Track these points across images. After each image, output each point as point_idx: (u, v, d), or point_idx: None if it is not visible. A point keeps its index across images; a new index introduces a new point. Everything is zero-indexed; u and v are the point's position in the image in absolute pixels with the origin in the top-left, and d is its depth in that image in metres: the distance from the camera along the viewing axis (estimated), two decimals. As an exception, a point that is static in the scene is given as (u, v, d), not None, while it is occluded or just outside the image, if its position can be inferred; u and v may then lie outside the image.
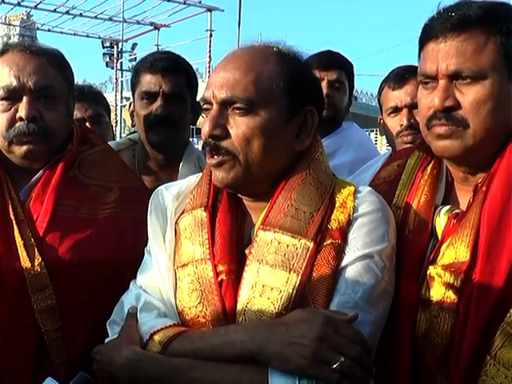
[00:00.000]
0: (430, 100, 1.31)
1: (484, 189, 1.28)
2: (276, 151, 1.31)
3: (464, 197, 1.37)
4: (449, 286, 1.23)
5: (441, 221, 1.35)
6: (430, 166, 1.43)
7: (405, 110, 2.23)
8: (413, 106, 2.20)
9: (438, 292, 1.25)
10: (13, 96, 1.64)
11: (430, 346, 1.25)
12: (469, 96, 1.26)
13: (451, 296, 1.23)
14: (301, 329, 1.12)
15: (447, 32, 1.27)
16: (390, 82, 2.31)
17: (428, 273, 1.28)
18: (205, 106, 1.33)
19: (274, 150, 1.30)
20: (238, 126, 1.27)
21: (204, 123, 1.31)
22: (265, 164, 1.30)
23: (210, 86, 1.30)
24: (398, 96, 2.26)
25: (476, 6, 1.28)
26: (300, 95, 1.32)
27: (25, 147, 1.64)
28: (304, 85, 1.34)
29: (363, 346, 1.14)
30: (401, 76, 2.27)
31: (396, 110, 2.27)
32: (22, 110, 1.62)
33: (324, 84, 2.60)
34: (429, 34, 1.31)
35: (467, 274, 1.22)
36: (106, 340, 1.37)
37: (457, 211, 1.34)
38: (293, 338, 1.12)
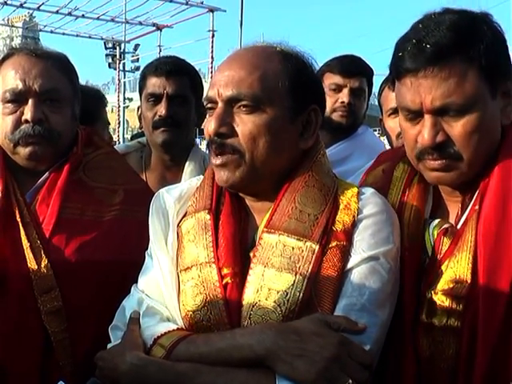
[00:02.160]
0: (416, 132, 1.28)
1: (477, 208, 1.26)
2: (281, 150, 1.31)
3: (452, 208, 1.35)
4: (451, 311, 1.22)
5: (430, 236, 1.33)
6: (416, 179, 1.40)
7: None
8: None
9: (441, 318, 1.23)
10: (18, 99, 1.65)
11: (436, 370, 1.23)
12: (459, 129, 1.23)
13: (454, 321, 1.22)
14: (314, 343, 1.12)
15: (426, 66, 1.21)
16: (390, 83, 2.29)
17: (428, 297, 1.25)
18: (208, 105, 1.32)
19: (279, 149, 1.30)
20: (245, 123, 1.27)
21: (208, 122, 1.30)
22: (270, 162, 1.29)
23: (215, 85, 1.30)
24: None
25: (445, 29, 1.21)
26: (304, 94, 1.32)
27: (30, 148, 1.66)
28: (307, 84, 1.33)
29: (370, 369, 1.15)
30: None
31: (396, 111, 2.25)
32: (28, 112, 1.64)
33: (346, 91, 2.57)
34: (405, 67, 1.25)
35: (468, 297, 1.20)
36: (109, 345, 1.36)
37: (446, 226, 1.32)
38: (304, 350, 1.12)
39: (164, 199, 1.43)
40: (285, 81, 1.29)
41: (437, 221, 1.34)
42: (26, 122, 1.64)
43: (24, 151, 1.66)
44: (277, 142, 1.29)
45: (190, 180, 1.50)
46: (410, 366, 1.25)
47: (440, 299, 1.23)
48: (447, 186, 1.35)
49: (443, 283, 1.24)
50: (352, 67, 2.63)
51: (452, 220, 1.34)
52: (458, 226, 1.31)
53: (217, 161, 1.30)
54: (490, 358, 1.15)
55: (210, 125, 1.29)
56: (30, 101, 1.64)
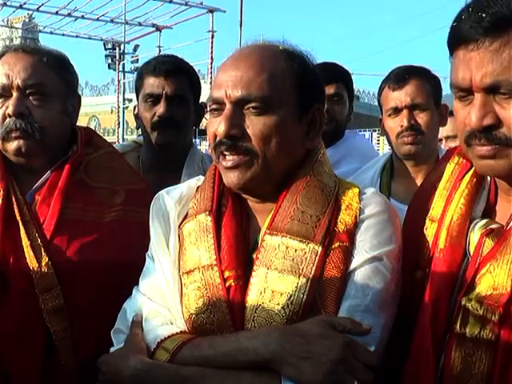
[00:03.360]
0: (466, 113, 1.14)
1: None
2: (290, 150, 1.30)
3: (506, 208, 1.21)
4: (485, 320, 1.09)
5: (474, 237, 1.21)
6: (470, 174, 1.27)
7: (405, 111, 2.21)
8: (413, 107, 2.20)
9: (474, 327, 1.11)
10: (4, 94, 1.66)
11: None
12: (511, 111, 1.09)
13: (488, 332, 1.09)
14: (320, 346, 1.11)
15: (479, 37, 1.08)
16: (389, 83, 2.29)
17: (462, 304, 1.13)
18: (214, 107, 1.29)
19: (288, 149, 1.29)
20: (255, 125, 1.25)
21: (217, 123, 1.27)
22: (280, 163, 1.29)
23: (221, 86, 1.27)
24: (398, 97, 2.23)
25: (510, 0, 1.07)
26: (309, 93, 1.31)
27: (15, 143, 1.66)
28: (311, 83, 1.33)
29: (375, 369, 1.14)
30: (401, 76, 2.25)
31: (396, 110, 2.25)
32: (10, 106, 1.64)
33: None
34: (458, 38, 1.13)
35: (506, 307, 1.07)
36: (112, 349, 1.35)
37: (492, 226, 1.19)
38: (311, 353, 1.11)
39: (164, 201, 1.42)
40: (291, 80, 1.27)
41: (484, 221, 1.22)
42: (9, 116, 1.64)
43: (10, 147, 1.67)
44: (287, 142, 1.28)
45: (190, 181, 1.49)
46: (429, 379, 1.15)
47: (474, 306, 1.11)
48: (501, 178, 1.20)
49: (480, 289, 1.12)
50: (324, 75, 2.64)
51: (503, 220, 1.20)
52: (508, 228, 1.17)
53: (227, 163, 1.28)
54: None
55: (219, 126, 1.26)
56: (14, 95, 1.65)
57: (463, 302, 1.14)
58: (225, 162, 1.28)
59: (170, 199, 1.41)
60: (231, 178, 1.29)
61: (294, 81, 1.28)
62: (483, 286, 1.12)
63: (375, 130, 13.30)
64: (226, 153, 1.27)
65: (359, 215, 1.28)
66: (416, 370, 1.18)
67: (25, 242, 1.59)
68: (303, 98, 1.30)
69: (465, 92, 1.15)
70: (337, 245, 1.24)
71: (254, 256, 1.27)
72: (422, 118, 2.21)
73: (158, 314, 1.33)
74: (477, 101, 1.11)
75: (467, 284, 1.16)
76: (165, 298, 1.33)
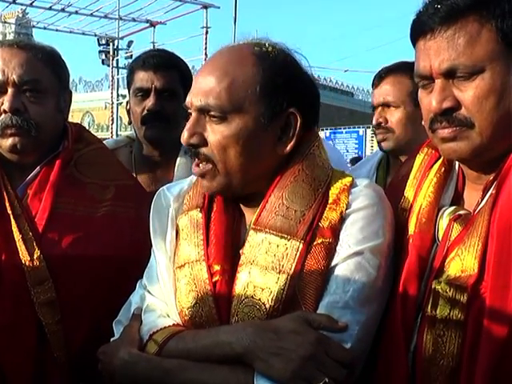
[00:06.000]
0: (429, 100, 1.20)
1: (494, 192, 1.15)
2: (256, 157, 1.28)
3: (473, 196, 1.24)
4: (455, 301, 1.12)
5: (443, 224, 1.24)
6: (438, 163, 1.31)
7: (378, 109, 2.29)
8: (384, 105, 2.27)
9: (444, 309, 1.13)
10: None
11: (434, 368, 1.13)
12: (468, 93, 1.15)
13: (457, 313, 1.12)
14: (291, 341, 1.11)
15: (435, 26, 1.16)
16: (373, 81, 2.37)
17: (433, 287, 1.16)
18: (189, 111, 1.32)
19: (253, 156, 1.27)
20: (215, 133, 1.26)
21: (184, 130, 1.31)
22: (246, 170, 1.28)
23: (190, 93, 1.30)
24: (375, 94, 2.32)
25: None
26: (279, 98, 1.26)
27: (10, 140, 1.65)
28: (284, 86, 1.27)
29: (350, 367, 1.13)
30: (379, 74, 2.33)
31: (374, 108, 2.33)
32: (5, 102, 1.64)
33: None
34: (417, 30, 1.21)
35: (474, 288, 1.10)
36: (111, 340, 1.38)
37: (461, 212, 1.23)
38: (281, 348, 1.11)
39: (164, 197, 1.44)
40: (256, 87, 1.24)
41: (452, 207, 1.26)
42: (5, 112, 1.64)
43: (5, 144, 1.67)
44: (249, 150, 1.26)
45: (192, 177, 1.48)
46: (402, 366, 1.17)
47: (444, 289, 1.14)
48: (464, 162, 1.25)
49: (449, 272, 1.16)
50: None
51: (471, 207, 1.24)
52: (476, 213, 1.20)
53: (196, 170, 1.32)
54: (495, 357, 1.05)
55: (183, 134, 1.29)
56: (9, 91, 1.64)
57: (433, 285, 1.16)
58: (193, 169, 1.33)
59: (169, 195, 1.44)
60: (202, 184, 1.33)
61: (260, 87, 1.25)
62: (452, 269, 1.16)
63: (369, 127, 13.33)
64: (193, 159, 1.32)
65: (345, 210, 1.25)
66: (388, 356, 1.19)
67: (16, 235, 1.60)
68: (272, 104, 1.26)
69: (427, 80, 1.21)
70: (320, 241, 1.23)
71: (241, 252, 1.28)
72: (393, 116, 2.26)
73: (156, 308, 1.36)
74: (436, 86, 1.18)
75: (437, 268, 1.19)
76: (162, 291, 1.36)
